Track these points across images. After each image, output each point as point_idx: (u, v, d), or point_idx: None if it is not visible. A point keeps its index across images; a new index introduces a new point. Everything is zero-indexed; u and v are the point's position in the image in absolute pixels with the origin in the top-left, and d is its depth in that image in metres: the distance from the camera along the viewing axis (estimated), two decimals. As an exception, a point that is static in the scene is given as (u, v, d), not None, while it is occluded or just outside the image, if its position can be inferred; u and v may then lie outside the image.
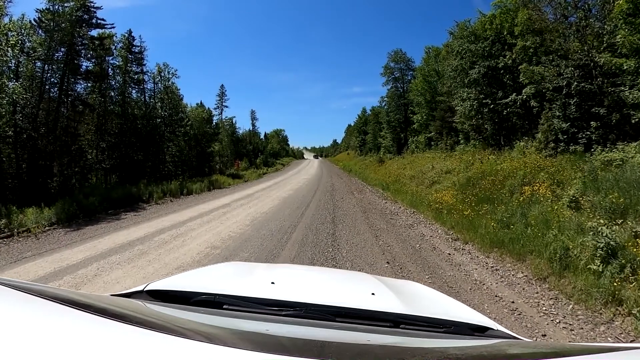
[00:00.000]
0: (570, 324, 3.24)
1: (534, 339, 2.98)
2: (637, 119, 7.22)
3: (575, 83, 8.61)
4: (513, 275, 4.44)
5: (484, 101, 12.54)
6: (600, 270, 3.73)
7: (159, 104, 18.52)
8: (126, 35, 16.84)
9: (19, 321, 0.52)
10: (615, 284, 3.45)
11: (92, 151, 14.74)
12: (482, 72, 12.64)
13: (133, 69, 17.27)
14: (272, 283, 1.28)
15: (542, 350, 0.95)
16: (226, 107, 39.03)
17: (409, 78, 27.98)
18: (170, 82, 18.89)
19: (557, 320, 3.30)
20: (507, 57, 11.85)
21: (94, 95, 14.77)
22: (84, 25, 13.56)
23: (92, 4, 13.69)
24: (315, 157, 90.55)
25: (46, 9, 12.09)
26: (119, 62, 16.56)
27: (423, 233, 6.89)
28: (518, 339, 1.06)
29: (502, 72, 12.33)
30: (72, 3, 12.61)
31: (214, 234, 6.58)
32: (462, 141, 15.58)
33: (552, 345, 2.09)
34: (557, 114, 9.02)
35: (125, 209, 9.74)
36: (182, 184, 14.33)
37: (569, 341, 2.99)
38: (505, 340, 1.04)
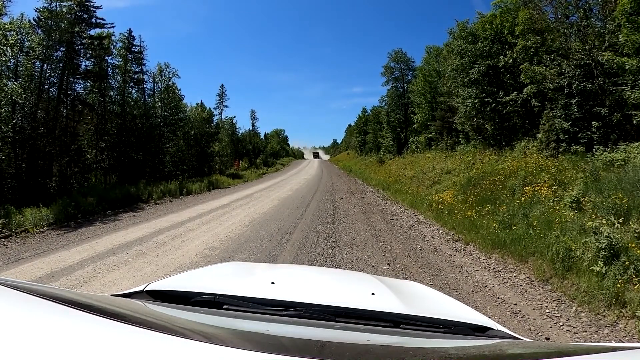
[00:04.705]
0: (573, 327, 3.20)
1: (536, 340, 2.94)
2: (638, 119, 7.18)
3: (577, 82, 8.56)
4: (515, 276, 4.40)
5: (485, 100, 12.48)
6: (604, 271, 3.69)
7: (159, 103, 18.46)
8: (126, 34, 16.79)
9: (19, 321, 0.52)
10: (618, 285, 3.41)
11: (92, 151, 14.69)
12: (483, 72, 12.58)
13: (133, 68, 17.22)
14: (272, 283, 1.28)
15: (543, 350, 0.96)
16: (226, 107, 39.09)
17: (409, 78, 27.94)
18: (171, 82, 18.85)
19: (561, 323, 3.26)
20: (508, 56, 11.79)
21: (94, 95, 14.70)
22: (83, 24, 13.50)
23: (91, 4, 13.64)
24: (316, 156, 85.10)
25: (44, 7, 12.04)
26: (118, 61, 16.51)
27: (424, 234, 6.85)
28: (519, 339, 1.06)
29: (502, 71, 12.28)
30: (70, 2, 12.56)
31: (212, 234, 6.53)
32: (462, 141, 15.51)
33: (553, 345, 2.06)
34: (558, 113, 8.96)
35: (124, 209, 9.70)
36: (182, 184, 14.29)
37: (571, 342, 2.95)
38: (507, 340, 1.04)
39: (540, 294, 3.86)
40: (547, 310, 3.50)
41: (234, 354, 0.51)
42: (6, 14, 10.45)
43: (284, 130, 76.54)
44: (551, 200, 5.98)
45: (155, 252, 5.34)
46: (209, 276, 1.55)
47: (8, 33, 10.13)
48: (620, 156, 6.72)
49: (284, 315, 0.99)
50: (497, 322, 1.18)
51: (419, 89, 21.87)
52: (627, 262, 3.60)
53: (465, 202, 7.81)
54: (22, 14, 11.80)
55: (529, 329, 3.17)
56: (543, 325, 3.24)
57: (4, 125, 9.81)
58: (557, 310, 3.50)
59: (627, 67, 7.07)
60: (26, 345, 0.45)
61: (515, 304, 3.66)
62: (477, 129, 13.75)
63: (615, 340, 2.97)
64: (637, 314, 3.13)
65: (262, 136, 51.23)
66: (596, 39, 8.49)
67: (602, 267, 3.71)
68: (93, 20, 13.93)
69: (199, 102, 24.38)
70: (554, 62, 9.31)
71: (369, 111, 42.60)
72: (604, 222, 4.35)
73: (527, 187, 6.84)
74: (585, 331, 3.12)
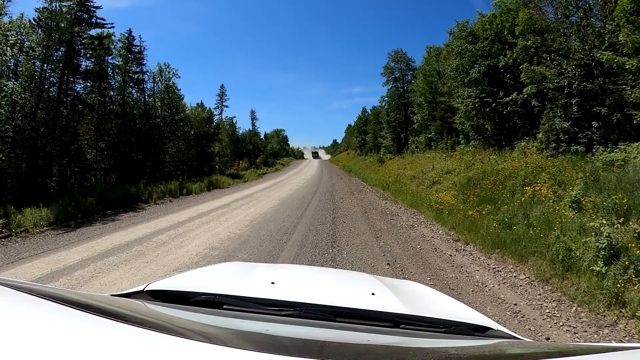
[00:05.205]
0: (573, 327, 3.20)
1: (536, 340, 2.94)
2: (638, 119, 7.18)
3: (577, 82, 8.56)
4: (515, 276, 4.40)
5: (485, 100, 12.48)
6: (604, 271, 3.69)
7: (159, 103, 18.46)
8: (126, 34, 16.79)
9: (19, 321, 0.52)
10: (618, 285, 3.41)
11: (92, 151, 14.69)
12: (483, 72, 12.58)
13: (133, 68, 17.21)
14: (272, 283, 1.28)
15: (543, 350, 0.95)
16: (226, 107, 38.99)
17: (410, 78, 27.95)
18: (171, 82, 18.84)
19: (561, 323, 3.25)
20: (508, 56, 11.79)
21: (94, 95, 14.71)
22: (83, 24, 13.51)
23: (91, 4, 13.64)
24: (315, 156, 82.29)
25: (44, 7, 12.05)
26: (118, 61, 16.51)
27: (424, 234, 6.85)
28: (519, 339, 1.06)
29: (502, 71, 12.28)
30: (70, 2, 12.56)
31: (212, 234, 6.53)
32: (462, 141, 15.51)
33: (553, 345, 2.06)
34: (558, 113, 8.96)
35: (124, 209, 9.70)
36: (182, 184, 14.29)
37: (571, 342, 2.95)
38: (507, 340, 1.04)
39: (540, 294, 3.86)
40: (547, 310, 3.50)
41: (234, 354, 0.51)
42: (6, 14, 10.48)
43: (284, 130, 76.40)
44: (551, 200, 5.98)
45: (155, 252, 5.34)
46: (209, 276, 1.55)
47: (8, 33, 10.15)
48: (620, 156, 6.72)
49: (284, 315, 0.99)
50: (497, 322, 1.18)
51: (419, 89, 21.85)
52: (627, 262, 3.60)
53: (466, 202, 7.81)
54: (22, 14, 11.85)
55: (529, 329, 3.17)
56: (543, 325, 3.24)
57: (4, 125, 9.80)
58: (557, 310, 3.50)
59: (627, 67, 7.08)
60: (27, 345, 0.45)
61: (515, 304, 3.66)
62: (477, 129, 13.75)
63: (615, 340, 2.97)
64: (637, 314, 3.13)
65: (262, 136, 51.23)
66: (596, 39, 8.49)
67: (602, 267, 3.71)
68: (93, 20, 13.94)
69: (199, 102, 24.42)
70: (554, 62, 9.31)
71: (369, 111, 42.63)
72: (604, 222, 4.35)
73: (527, 187, 6.84)
74: (585, 331, 3.12)
